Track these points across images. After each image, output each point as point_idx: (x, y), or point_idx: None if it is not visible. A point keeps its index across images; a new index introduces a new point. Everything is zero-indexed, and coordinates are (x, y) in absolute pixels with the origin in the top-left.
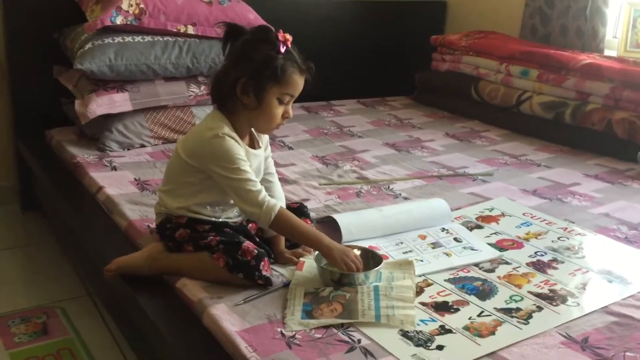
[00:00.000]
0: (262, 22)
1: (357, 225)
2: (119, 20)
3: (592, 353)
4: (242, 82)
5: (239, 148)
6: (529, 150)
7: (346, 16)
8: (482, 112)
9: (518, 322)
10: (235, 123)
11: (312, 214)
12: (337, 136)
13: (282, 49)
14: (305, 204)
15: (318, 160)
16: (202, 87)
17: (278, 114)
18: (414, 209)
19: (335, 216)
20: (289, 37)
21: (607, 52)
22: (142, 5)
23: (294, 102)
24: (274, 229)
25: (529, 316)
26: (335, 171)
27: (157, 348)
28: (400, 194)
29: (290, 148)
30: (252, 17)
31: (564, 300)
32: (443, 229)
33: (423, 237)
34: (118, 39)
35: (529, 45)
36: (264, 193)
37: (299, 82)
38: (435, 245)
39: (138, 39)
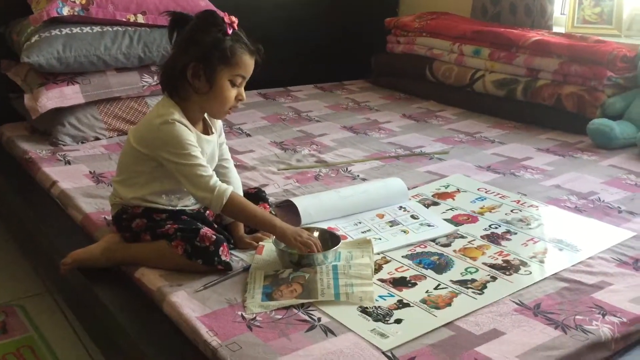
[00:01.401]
0: (213, 9)
1: (316, 207)
2: (65, 11)
3: (544, 318)
4: (192, 66)
5: (189, 134)
6: (483, 127)
7: (300, 1)
8: (437, 92)
9: (473, 292)
10: (187, 110)
11: (271, 199)
12: (295, 121)
13: (229, 31)
14: (264, 189)
15: (276, 146)
16: (156, 77)
17: (231, 96)
18: (371, 189)
19: (294, 200)
20: (234, 19)
21: (555, 29)
22: None
23: (250, 88)
24: (226, 214)
25: (484, 286)
26: (293, 156)
27: (119, 339)
28: (358, 176)
29: (248, 135)
30: (203, 4)
31: (517, 269)
32: (400, 207)
33: (381, 216)
34: (66, 31)
35: (479, 24)
36: (215, 178)
37: (249, 63)
38: (393, 223)
39: (87, 29)
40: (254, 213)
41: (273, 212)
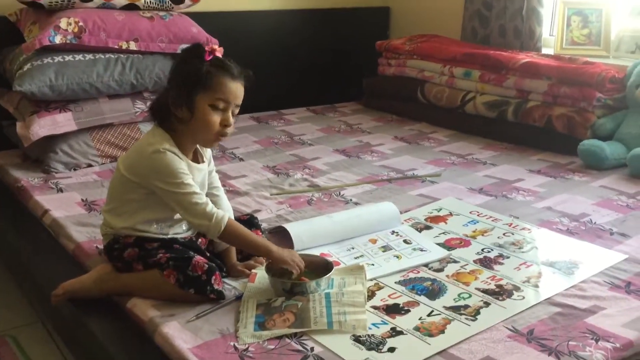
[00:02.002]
0: (205, 35)
1: (308, 233)
2: (57, 40)
3: (537, 344)
4: (172, 95)
5: (180, 162)
6: (475, 149)
7: (291, 25)
8: (429, 114)
9: (466, 319)
10: (178, 141)
11: (264, 225)
12: (288, 145)
13: (208, 57)
14: (257, 214)
15: (269, 171)
16: (149, 103)
17: (214, 122)
18: (363, 214)
19: (286, 225)
20: (216, 47)
21: (544, 50)
22: (81, 24)
23: (243, 112)
24: (224, 240)
25: (477, 312)
26: (286, 180)
27: None
28: (351, 200)
29: (241, 159)
30: (195, 31)
31: (509, 294)
32: (393, 232)
33: (374, 241)
34: (58, 59)
35: (470, 47)
36: (211, 205)
37: (230, 86)
38: (385, 248)
39: (79, 57)
40: (250, 239)
41: (266, 238)
